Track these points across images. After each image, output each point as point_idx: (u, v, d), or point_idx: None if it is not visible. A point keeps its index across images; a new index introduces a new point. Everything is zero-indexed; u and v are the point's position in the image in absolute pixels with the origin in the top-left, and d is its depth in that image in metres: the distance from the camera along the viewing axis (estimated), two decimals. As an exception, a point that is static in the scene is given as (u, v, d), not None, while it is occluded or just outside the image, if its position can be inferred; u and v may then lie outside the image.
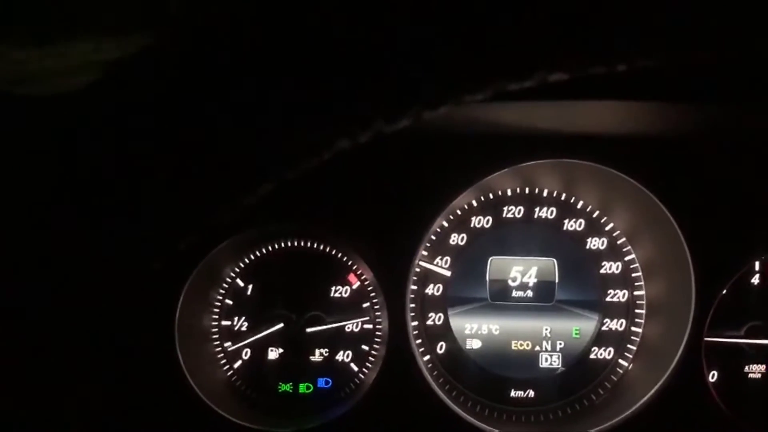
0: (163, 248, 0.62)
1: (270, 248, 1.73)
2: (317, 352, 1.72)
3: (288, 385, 1.72)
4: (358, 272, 1.71)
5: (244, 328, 1.72)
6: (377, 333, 1.71)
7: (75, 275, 0.66)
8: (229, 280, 1.73)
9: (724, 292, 1.64)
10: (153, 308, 1.50)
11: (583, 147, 1.51)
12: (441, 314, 1.74)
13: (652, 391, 1.55)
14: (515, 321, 1.74)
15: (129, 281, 0.64)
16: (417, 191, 1.53)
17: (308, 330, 1.70)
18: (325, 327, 1.70)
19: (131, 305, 1.48)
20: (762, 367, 1.70)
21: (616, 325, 1.74)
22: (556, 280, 1.73)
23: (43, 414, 1.18)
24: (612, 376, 1.73)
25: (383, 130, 0.57)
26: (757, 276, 1.70)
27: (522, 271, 1.74)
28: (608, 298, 1.74)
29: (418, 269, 1.72)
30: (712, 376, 1.69)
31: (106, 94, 0.59)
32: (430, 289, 1.74)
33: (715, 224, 1.50)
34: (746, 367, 1.70)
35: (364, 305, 1.72)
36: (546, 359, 1.74)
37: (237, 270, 1.73)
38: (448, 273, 1.73)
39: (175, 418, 1.54)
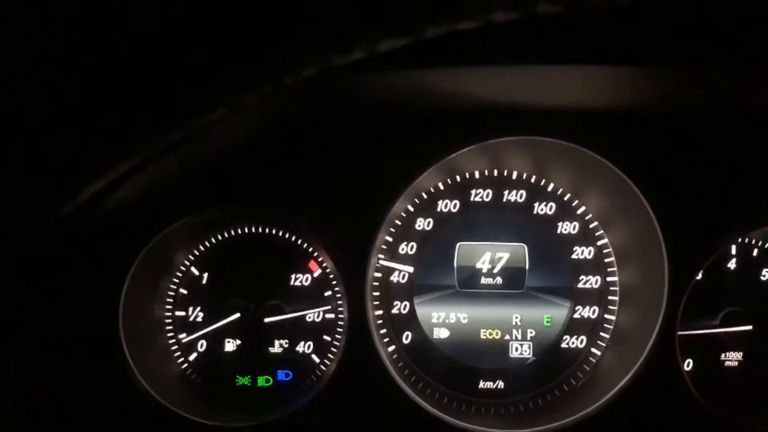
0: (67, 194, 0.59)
1: (226, 235, 1.64)
2: (277, 343, 1.64)
3: (246, 378, 1.64)
4: (319, 259, 1.63)
5: (199, 319, 1.63)
6: (339, 323, 1.63)
7: None
8: (183, 268, 1.64)
9: (699, 278, 1.59)
10: (95, 295, 1.41)
11: (554, 125, 1.44)
12: (407, 302, 1.67)
13: (625, 380, 1.48)
14: (484, 309, 1.67)
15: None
16: (377, 171, 1.45)
17: (266, 320, 1.62)
18: (284, 317, 1.62)
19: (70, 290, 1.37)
20: (739, 355, 1.65)
21: (588, 312, 1.67)
22: (527, 267, 1.66)
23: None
24: (584, 366, 1.67)
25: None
26: (733, 261, 1.65)
27: (491, 258, 1.66)
28: (580, 285, 1.67)
29: (381, 256, 1.64)
30: (688, 365, 1.63)
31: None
32: (395, 277, 1.67)
33: (688, 207, 1.44)
34: (723, 355, 1.65)
35: (326, 294, 1.64)
36: (516, 348, 1.67)
37: (191, 258, 1.64)
38: (410, 269, 1.65)
39: (123, 416, 1.45)
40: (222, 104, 0.58)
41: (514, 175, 1.67)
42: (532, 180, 1.67)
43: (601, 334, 1.66)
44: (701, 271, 1.57)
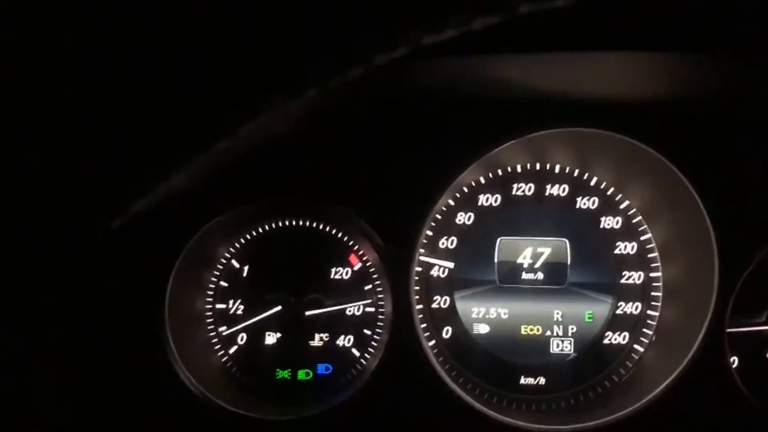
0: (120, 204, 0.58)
1: (267, 228, 1.64)
2: (317, 336, 1.63)
3: (286, 371, 1.63)
4: (360, 253, 1.63)
5: (239, 312, 1.63)
6: (380, 317, 1.62)
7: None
8: (223, 261, 1.64)
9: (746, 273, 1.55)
10: (141, 290, 1.41)
11: (598, 114, 1.41)
12: (447, 297, 1.66)
13: (670, 378, 1.45)
14: (525, 304, 1.65)
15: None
16: (421, 166, 1.44)
17: (307, 313, 1.61)
18: (324, 310, 1.62)
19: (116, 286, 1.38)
20: (786, 353, 1.61)
21: (631, 308, 1.65)
22: (569, 262, 1.64)
23: (26, 405, 1.09)
24: (627, 362, 1.64)
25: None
26: (780, 257, 1.61)
27: (532, 252, 1.65)
28: (623, 281, 1.65)
29: (422, 251, 1.63)
30: (733, 362, 1.60)
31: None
32: (436, 271, 1.65)
33: (740, 200, 1.41)
34: (769, 353, 1.61)
35: (366, 287, 1.63)
36: (557, 345, 1.66)
37: (232, 251, 1.64)
38: (451, 264, 1.64)
39: (167, 407, 1.46)
40: (310, 87, 0.57)
41: (557, 169, 1.65)
42: (575, 174, 1.65)
43: (644, 330, 1.64)
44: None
